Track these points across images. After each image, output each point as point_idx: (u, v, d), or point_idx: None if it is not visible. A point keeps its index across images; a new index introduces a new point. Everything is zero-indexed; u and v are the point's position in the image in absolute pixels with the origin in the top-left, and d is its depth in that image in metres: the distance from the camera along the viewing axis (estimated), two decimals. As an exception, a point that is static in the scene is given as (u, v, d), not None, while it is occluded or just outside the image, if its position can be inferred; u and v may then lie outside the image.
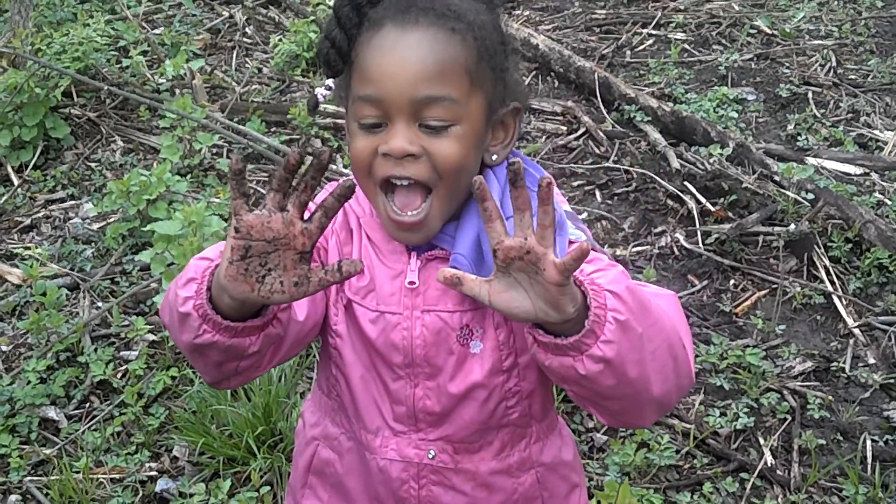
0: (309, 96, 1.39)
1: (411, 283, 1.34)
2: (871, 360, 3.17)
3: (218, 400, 2.83)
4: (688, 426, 2.90)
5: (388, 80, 1.24)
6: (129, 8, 5.20)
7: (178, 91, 4.52)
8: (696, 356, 3.12)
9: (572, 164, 4.26)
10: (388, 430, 1.38)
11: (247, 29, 5.35)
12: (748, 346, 3.19)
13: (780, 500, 2.67)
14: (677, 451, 2.81)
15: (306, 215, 1.12)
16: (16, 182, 4.17)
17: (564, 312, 1.10)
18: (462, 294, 1.29)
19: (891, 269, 3.44)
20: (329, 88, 1.36)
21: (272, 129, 4.43)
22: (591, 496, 2.58)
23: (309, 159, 1.10)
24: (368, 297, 1.36)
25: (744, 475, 2.75)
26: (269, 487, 2.66)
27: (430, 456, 1.38)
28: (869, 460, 2.80)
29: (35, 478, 2.79)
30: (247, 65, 5.02)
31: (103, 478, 2.76)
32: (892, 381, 3.08)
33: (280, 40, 4.95)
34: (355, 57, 1.29)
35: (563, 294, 1.09)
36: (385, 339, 1.34)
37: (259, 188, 4.06)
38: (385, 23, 1.26)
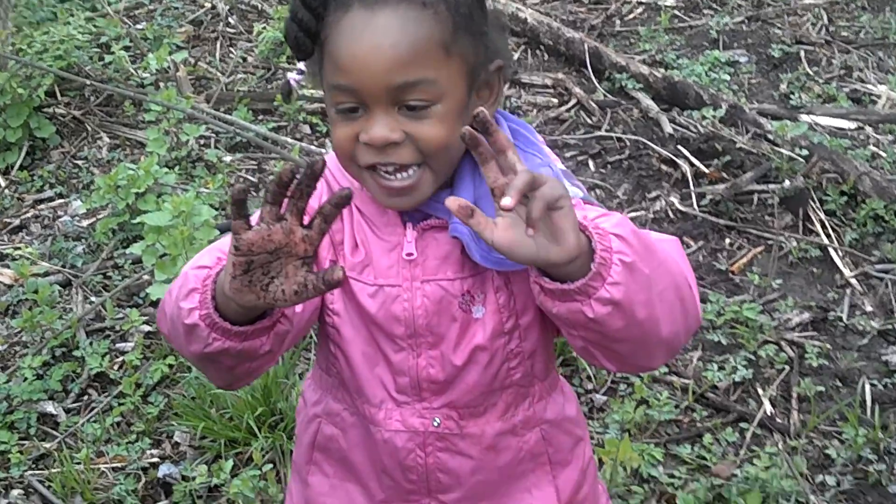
0: (282, 83, 1.37)
1: (409, 254, 1.32)
2: (869, 308, 3.15)
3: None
4: (686, 381, 2.89)
5: (361, 69, 1.20)
6: (109, 4, 5.19)
7: (162, 85, 4.50)
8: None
9: (565, 136, 4.25)
10: (392, 402, 1.37)
11: (229, 19, 5.33)
12: (745, 301, 3.17)
13: (780, 446, 2.66)
14: (677, 406, 2.81)
15: (305, 220, 1.12)
16: (3, 184, 4.15)
17: (567, 243, 1.08)
18: (460, 262, 1.31)
19: (886, 218, 3.42)
20: (301, 72, 1.32)
21: (259, 118, 4.41)
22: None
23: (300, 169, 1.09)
24: (365, 271, 1.34)
25: (743, 425, 2.74)
26: (271, 465, 2.65)
27: (436, 424, 1.36)
28: (868, 403, 2.79)
29: (36, 472, 2.78)
30: (231, 54, 4.98)
31: (105, 467, 2.75)
32: (889, 326, 3.07)
33: (264, 28, 4.92)
34: (325, 38, 1.25)
35: (564, 219, 1.07)
36: (386, 312, 1.33)
37: (249, 176, 4.07)
38: (352, 3, 1.22)
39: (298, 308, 1.28)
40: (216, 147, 4.22)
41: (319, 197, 1.27)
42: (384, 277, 1.33)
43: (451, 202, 1.08)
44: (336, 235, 1.35)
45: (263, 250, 1.10)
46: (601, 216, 1.19)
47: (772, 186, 3.65)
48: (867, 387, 2.84)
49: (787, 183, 3.61)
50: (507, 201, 1.05)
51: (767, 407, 2.80)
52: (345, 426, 1.44)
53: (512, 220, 1.08)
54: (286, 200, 1.10)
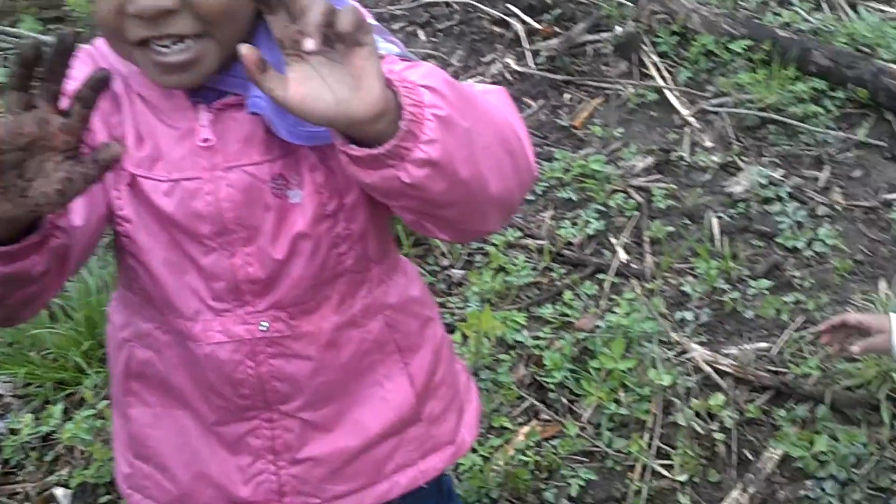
0: None
1: (205, 140, 1.14)
2: (709, 144, 3.18)
3: (34, 325, 2.60)
4: (541, 242, 2.87)
5: None
6: None
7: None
8: (542, 174, 3.06)
9: (389, 7, 4.08)
10: (210, 312, 1.22)
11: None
12: (590, 154, 3.15)
13: (637, 290, 2.68)
14: (534, 269, 2.78)
15: (64, 107, 0.94)
16: None
17: (370, 93, 0.91)
18: (266, 142, 1.14)
19: (717, 52, 3.44)
20: None
21: (49, 27, 4.08)
22: (454, 330, 2.52)
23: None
24: (156, 166, 1.16)
25: (601, 276, 2.75)
26: (107, 402, 2.45)
27: (263, 328, 1.22)
28: (717, 236, 2.83)
29: None
30: (10, -41, 4.56)
31: (-81, 437, 2.51)
32: (729, 159, 3.10)
33: (50, -74, 4.50)
34: None
35: (366, 61, 0.90)
36: (185, 210, 1.16)
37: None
38: None
39: (78, 220, 1.11)
40: (3, 66, 3.87)
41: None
42: (179, 170, 1.15)
43: (246, 49, 0.91)
44: (115, 130, 1.17)
45: (14, 147, 0.91)
46: (408, 68, 1.03)
47: (604, 35, 3.62)
48: (714, 220, 2.88)
49: (618, 29, 3.57)
50: (310, 44, 0.88)
51: (622, 255, 2.80)
52: (159, 346, 1.28)
53: (305, 74, 0.93)
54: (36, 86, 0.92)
